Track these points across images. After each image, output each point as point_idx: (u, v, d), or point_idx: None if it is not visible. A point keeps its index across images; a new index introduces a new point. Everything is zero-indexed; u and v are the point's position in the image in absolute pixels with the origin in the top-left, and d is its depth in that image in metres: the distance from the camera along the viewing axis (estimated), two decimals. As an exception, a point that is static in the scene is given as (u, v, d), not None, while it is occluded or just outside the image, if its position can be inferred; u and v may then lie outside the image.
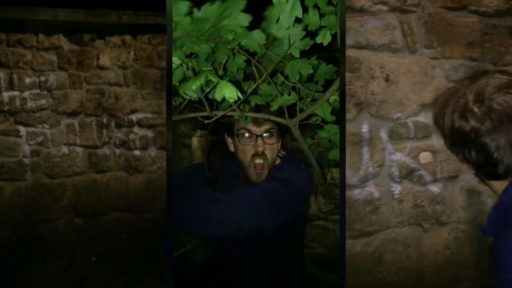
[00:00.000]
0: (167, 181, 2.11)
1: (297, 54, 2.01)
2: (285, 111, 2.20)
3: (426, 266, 2.81)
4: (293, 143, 2.67)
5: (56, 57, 4.65)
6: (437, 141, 2.75)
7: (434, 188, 2.79)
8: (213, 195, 2.17)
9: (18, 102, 4.57)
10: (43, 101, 4.64)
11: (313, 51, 2.10)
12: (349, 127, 2.63)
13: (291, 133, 2.29)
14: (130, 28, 4.77)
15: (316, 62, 2.13)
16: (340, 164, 2.42)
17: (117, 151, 4.87)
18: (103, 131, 4.82)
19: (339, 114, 2.37)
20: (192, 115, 2.19)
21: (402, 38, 2.63)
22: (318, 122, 2.31)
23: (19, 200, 4.62)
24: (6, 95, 4.54)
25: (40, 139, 4.65)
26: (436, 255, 2.87)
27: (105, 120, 4.81)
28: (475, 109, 1.39)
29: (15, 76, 4.56)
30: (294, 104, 2.23)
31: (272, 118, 2.17)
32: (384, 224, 2.69)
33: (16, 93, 4.57)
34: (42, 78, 4.63)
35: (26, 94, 4.59)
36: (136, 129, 4.91)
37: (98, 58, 4.75)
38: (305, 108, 2.20)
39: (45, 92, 4.64)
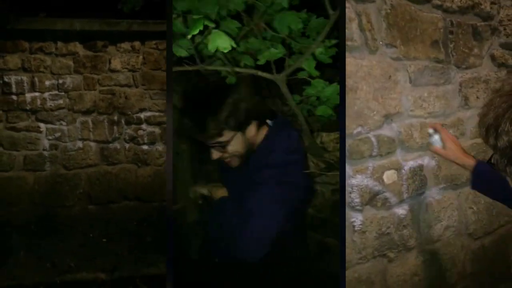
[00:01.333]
0: (166, 173, 1.99)
1: (285, 4, 1.85)
2: (273, 66, 1.97)
3: None
4: (283, 107, 2.14)
5: (73, 62, 4.83)
6: (401, 156, 2.25)
7: (400, 211, 2.27)
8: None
9: (39, 102, 4.78)
10: (61, 101, 4.84)
11: (304, 5, 1.91)
12: None
13: (282, 95, 2.02)
14: (139, 35, 4.91)
15: (306, 15, 1.93)
16: (340, 163, 2.00)
17: (127, 145, 5.02)
18: (114, 128, 4.99)
19: (339, 114, 2.01)
20: (180, 68, 1.97)
21: (360, 33, 2.03)
22: (305, 77, 1.99)
23: (39, 188, 4.82)
24: (28, 95, 4.75)
25: (58, 134, 4.85)
26: (404, 285, 2.35)
27: (116, 118, 4.97)
28: None
29: (36, 79, 4.76)
30: (284, 60, 1.98)
31: (260, 73, 1.97)
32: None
33: (37, 94, 4.78)
34: (60, 81, 4.82)
35: (46, 95, 4.80)
36: (144, 126, 5.04)
37: (110, 62, 4.91)
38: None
39: (63, 93, 4.84)
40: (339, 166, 1.99)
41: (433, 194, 2.41)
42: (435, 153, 2.08)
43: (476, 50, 2.59)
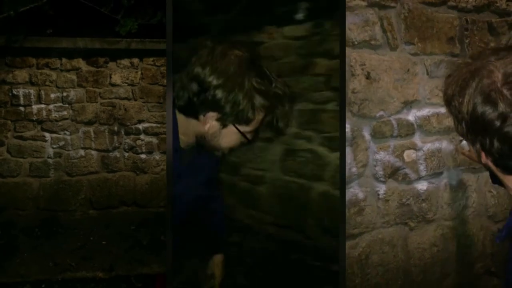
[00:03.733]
0: (167, 177, 2.00)
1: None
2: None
3: (414, 265, 2.59)
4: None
5: (76, 77, 5.01)
6: (420, 138, 2.52)
7: (419, 186, 2.54)
8: None
9: (44, 113, 4.95)
10: (65, 112, 5.00)
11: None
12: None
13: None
14: (137, 53, 5.08)
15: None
16: (340, 163, 2.24)
17: (126, 154, 5.15)
18: (114, 138, 5.13)
19: (340, 114, 2.22)
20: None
21: (382, 34, 2.36)
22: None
23: (44, 193, 4.97)
24: (35, 107, 4.92)
25: (62, 143, 5.01)
26: (423, 253, 2.63)
27: (116, 128, 5.12)
28: (505, 91, 1.08)
29: (42, 92, 4.93)
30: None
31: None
32: (370, 225, 2.41)
33: (43, 105, 4.95)
34: (64, 94, 4.98)
35: (51, 106, 4.97)
36: (142, 136, 5.18)
37: (110, 77, 5.08)
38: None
39: (67, 105, 5.00)
40: (340, 164, 2.24)
41: (451, 175, 2.63)
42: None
43: (492, 45, 2.70)
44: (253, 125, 1.77)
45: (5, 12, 4.41)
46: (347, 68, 2.29)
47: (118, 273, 4.27)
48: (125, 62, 5.12)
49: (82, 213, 5.07)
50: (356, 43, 2.32)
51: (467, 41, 2.63)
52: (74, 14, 4.71)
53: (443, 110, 2.47)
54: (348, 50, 2.29)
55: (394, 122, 2.43)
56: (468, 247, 2.75)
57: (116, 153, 5.15)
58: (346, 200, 2.31)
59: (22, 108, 4.93)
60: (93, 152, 5.10)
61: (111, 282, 4.23)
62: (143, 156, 5.21)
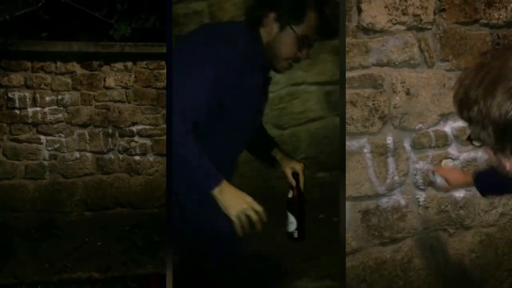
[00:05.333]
0: (167, 177, 2.03)
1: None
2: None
3: (453, 270, 2.75)
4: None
5: (71, 80, 4.99)
6: (456, 148, 2.74)
7: (457, 194, 2.73)
8: None
9: (40, 116, 4.93)
10: (60, 115, 5.00)
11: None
12: (375, 139, 2.59)
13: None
14: (131, 56, 5.10)
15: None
16: (340, 165, 2.42)
17: (120, 156, 5.16)
18: (109, 140, 5.13)
19: (340, 119, 2.43)
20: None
21: (420, 54, 2.63)
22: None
23: (39, 195, 4.96)
24: (30, 110, 4.91)
25: (57, 145, 4.98)
26: (462, 259, 2.79)
27: (110, 131, 5.12)
28: None
29: (38, 95, 4.92)
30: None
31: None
32: (412, 230, 2.64)
33: (38, 108, 4.93)
34: (59, 97, 4.96)
35: (46, 109, 4.95)
36: (136, 138, 5.16)
37: (104, 80, 5.08)
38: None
39: (62, 108, 4.98)
40: (340, 163, 2.44)
41: None
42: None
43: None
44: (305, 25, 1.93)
45: (1, 16, 4.44)
46: (389, 85, 2.58)
47: (113, 274, 4.31)
48: (119, 65, 5.14)
49: (77, 215, 5.09)
50: (397, 63, 2.60)
51: (498, 55, 2.91)
52: (69, 18, 4.72)
53: None
54: (389, 70, 2.58)
55: (432, 133, 2.71)
56: (506, 254, 2.90)
57: (111, 155, 5.16)
58: (389, 206, 2.59)
59: (17, 111, 4.95)
60: (88, 154, 5.11)
61: (107, 283, 4.27)
62: (137, 157, 5.22)
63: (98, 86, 5.10)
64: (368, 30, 2.57)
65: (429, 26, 2.67)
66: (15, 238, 4.67)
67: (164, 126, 5.15)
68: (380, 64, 2.60)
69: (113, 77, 5.14)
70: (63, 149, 5.04)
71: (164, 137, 5.14)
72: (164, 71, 5.22)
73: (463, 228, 2.79)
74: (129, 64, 5.17)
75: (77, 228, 4.98)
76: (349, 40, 2.55)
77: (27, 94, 4.94)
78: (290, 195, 2.25)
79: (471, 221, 2.81)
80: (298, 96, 4.04)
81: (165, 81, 5.10)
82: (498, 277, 2.87)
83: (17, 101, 4.94)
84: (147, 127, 5.23)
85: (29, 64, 4.95)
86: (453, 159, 2.75)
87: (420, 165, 2.67)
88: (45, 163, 5.00)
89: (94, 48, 5.02)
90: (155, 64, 5.19)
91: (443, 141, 2.74)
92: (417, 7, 2.63)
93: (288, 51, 2.01)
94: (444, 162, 2.72)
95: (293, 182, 2.26)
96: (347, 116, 2.58)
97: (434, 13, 2.69)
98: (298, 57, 2.05)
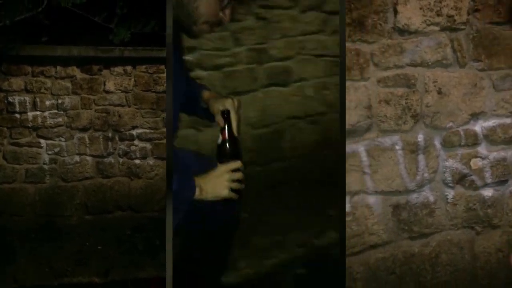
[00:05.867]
0: (167, 179, 1.99)
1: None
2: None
3: (480, 268, 2.81)
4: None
5: (71, 84, 4.99)
6: (486, 147, 2.81)
7: (485, 193, 2.81)
8: None
9: (40, 120, 4.94)
10: (60, 119, 5.00)
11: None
12: (407, 137, 2.68)
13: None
14: (131, 60, 5.04)
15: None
16: (340, 162, 2.40)
17: (121, 160, 5.15)
18: (109, 143, 5.12)
19: (340, 116, 2.38)
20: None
21: (452, 54, 2.72)
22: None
23: (39, 199, 4.95)
24: (30, 114, 4.92)
25: (57, 149, 4.99)
26: (489, 257, 2.84)
27: (110, 135, 5.12)
28: None
29: (38, 100, 4.93)
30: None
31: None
32: (440, 226, 2.73)
33: (38, 112, 4.94)
34: (59, 101, 4.98)
35: (46, 113, 4.95)
36: (136, 142, 5.17)
37: (104, 84, 5.06)
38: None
39: (62, 112, 4.99)
40: (339, 159, 2.44)
41: None
42: None
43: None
44: None
45: (1, 21, 4.45)
46: (421, 85, 2.69)
47: (114, 278, 4.31)
48: (119, 69, 5.14)
49: (77, 218, 5.07)
50: (430, 63, 2.70)
51: (532, 54, 2.91)
52: (69, 23, 4.73)
53: (508, 120, 2.87)
54: (422, 70, 2.68)
55: (462, 132, 2.79)
56: None
57: (111, 159, 5.17)
58: (419, 202, 2.70)
59: (17, 115, 4.95)
60: (88, 158, 5.12)
61: (107, 286, 4.30)
62: (137, 161, 5.22)
63: (98, 90, 5.11)
64: (403, 31, 2.67)
65: (462, 27, 2.75)
66: (15, 242, 4.68)
67: (164, 129, 5.15)
68: (414, 64, 2.69)
69: (113, 81, 5.15)
70: (63, 153, 5.05)
71: (164, 141, 5.14)
72: (164, 75, 5.23)
73: (490, 227, 2.85)
74: (129, 68, 5.17)
75: (77, 231, 4.97)
76: (384, 41, 2.65)
77: (27, 98, 4.95)
78: (219, 140, 1.91)
79: (499, 220, 2.87)
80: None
81: (164, 85, 5.10)
82: (525, 278, 2.93)
83: (17, 105, 4.95)
84: (147, 130, 5.24)
85: (29, 69, 4.97)
86: (483, 158, 2.83)
87: (450, 163, 2.77)
88: (45, 167, 5.01)
89: (94, 52, 5.03)
90: (155, 68, 5.20)
91: (472, 140, 2.82)
92: (451, 8, 2.71)
93: (207, 10, 1.71)
94: (473, 161, 2.80)
95: (221, 122, 1.92)
96: (381, 114, 2.68)
97: (468, 14, 2.75)
98: (220, 19, 1.77)
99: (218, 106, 1.94)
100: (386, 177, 2.70)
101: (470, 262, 2.83)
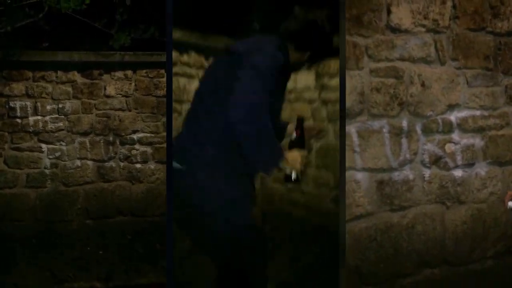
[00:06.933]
0: (167, 184, 2.10)
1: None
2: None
3: (448, 238, 3.26)
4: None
5: (71, 89, 5.07)
6: (458, 134, 3.26)
7: (456, 173, 3.26)
8: None
9: (41, 124, 5.01)
10: (61, 124, 5.06)
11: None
12: (393, 122, 3.05)
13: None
14: (131, 65, 5.17)
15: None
16: (340, 158, 2.74)
17: (121, 164, 5.20)
18: (110, 148, 5.17)
19: (340, 112, 2.72)
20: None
21: (435, 52, 3.15)
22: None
23: (40, 204, 5.00)
24: (31, 119, 4.98)
25: (58, 154, 5.04)
26: (456, 228, 3.28)
27: (111, 139, 5.17)
28: None
29: (39, 104, 5.00)
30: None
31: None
32: (416, 201, 3.13)
33: (39, 117, 5.00)
34: (60, 105, 5.05)
35: (47, 118, 5.03)
36: (137, 146, 5.22)
37: (105, 89, 5.15)
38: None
39: (62, 116, 5.06)
40: (339, 156, 2.76)
41: (481, 166, 3.38)
42: None
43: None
44: None
45: (2, 27, 4.49)
46: (408, 77, 3.09)
47: (115, 283, 4.32)
48: (119, 74, 5.19)
49: (79, 223, 5.10)
50: (416, 59, 3.10)
51: (499, 58, 3.41)
52: (69, 28, 4.79)
53: (478, 113, 3.36)
54: (409, 64, 3.08)
55: (440, 120, 3.21)
56: (493, 227, 3.43)
57: (112, 163, 5.20)
58: (400, 179, 3.08)
59: (19, 120, 4.99)
60: (89, 162, 5.15)
61: (108, 292, 4.29)
62: (138, 165, 5.25)
63: (98, 95, 5.17)
64: (395, 29, 3.05)
65: (444, 30, 3.19)
66: (16, 247, 4.70)
67: (165, 134, 5.16)
68: (402, 59, 3.07)
69: (113, 85, 5.21)
70: (64, 157, 5.09)
71: (165, 145, 5.16)
72: (164, 79, 5.26)
73: (458, 202, 3.29)
74: (129, 72, 5.24)
75: (78, 236, 5.00)
76: (378, 36, 3.02)
77: (28, 103, 5.00)
78: (293, 136, 2.47)
79: (465, 197, 3.31)
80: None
81: (165, 89, 5.13)
82: (484, 247, 3.39)
83: (18, 110, 4.99)
84: (148, 134, 5.28)
85: (30, 74, 5.03)
86: (455, 144, 3.26)
87: (428, 146, 3.18)
88: (46, 171, 5.04)
89: (94, 57, 5.09)
90: (155, 73, 5.25)
91: (448, 127, 3.24)
92: (436, 13, 3.16)
93: None
94: (447, 145, 3.23)
95: (295, 126, 2.49)
96: (372, 100, 3.03)
97: (450, 19, 3.21)
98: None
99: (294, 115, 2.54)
100: (373, 156, 3.04)
101: (440, 232, 3.24)
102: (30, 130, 5.02)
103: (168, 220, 2.24)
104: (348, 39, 2.94)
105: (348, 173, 2.95)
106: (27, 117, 5.01)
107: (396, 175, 3.07)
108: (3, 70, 4.93)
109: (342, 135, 2.85)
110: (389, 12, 3.03)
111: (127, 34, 4.90)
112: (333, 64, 3.14)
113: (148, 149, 5.28)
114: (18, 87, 5.00)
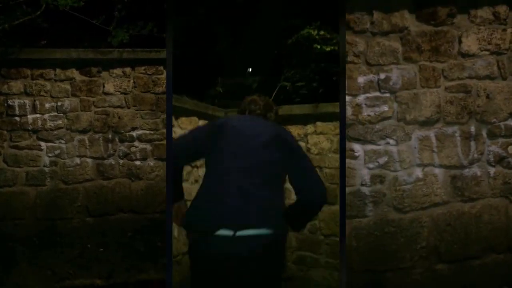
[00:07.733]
0: (166, 182, 2.11)
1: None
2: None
3: (511, 227, 3.91)
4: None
5: (70, 87, 5.07)
6: None
7: None
8: None
9: (40, 122, 5.01)
10: (60, 121, 5.06)
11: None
12: (463, 127, 3.79)
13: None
14: (129, 62, 5.16)
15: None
16: (340, 159, 3.10)
17: (121, 161, 5.19)
18: (109, 145, 5.17)
19: (340, 118, 3.06)
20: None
21: (498, 70, 3.87)
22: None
23: (40, 202, 4.99)
24: (30, 117, 4.97)
25: (57, 152, 5.04)
26: None
27: (110, 136, 5.17)
28: None
29: (37, 102, 4.99)
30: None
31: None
32: (483, 194, 3.82)
33: (38, 115, 5.00)
34: (59, 103, 5.05)
35: (46, 116, 5.03)
36: (136, 143, 5.21)
37: (103, 86, 5.15)
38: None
39: (61, 114, 5.06)
40: (339, 156, 3.17)
41: None
42: None
43: None
44: None
45: (0, 25, 4.48)
46: (475, 92, 3.83)
47: (116, 281, 4.31)
48: (118, 71, 5.18)
49: (79, 221, 5.09)
50: (481, 76, 3.84)
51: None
52: (67, 26, 4.79)
53: None
54: (476, 81, 3.83)
55: (502, 126, 3.90)
56: None
57: (111, 160, 5.19)
58: (469, 175, 3.81)
59: (17, 118, 4.99)
60: (88, 160, 5.14)
61: (109, 289, 4.27)
62: (137, 162, 5.24)
63: (97, 92, 5.16)
64: (465, 55, 3.84)
65: (505, 52, 3.89)
66: (17, 246, 4.69)
67: (164, 130, 5.17)
68: (470, 77, 3.84)
69: (112, 83, 5.20)
70: (63, 155, 5.08)
71: (164, 142, 5.14)
72: (163, 76, 5.25)
73: None
74: (128, 69, 5.23)
75: (78, 234, 4.99)
76: (451, 61, 3.83)
77: (27, 101, 5.00)
78: None
79: None
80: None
81: (164, 86, 5.12)
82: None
83: (17, 108, 4.99)
84: (147, 131, 5.27)
85: (28, 72, 5.02)
86: None
87: (492, 148, 3.88)
88: (46, 169, 5.04)
89: (92, 54, 5.07)
90: (154, 70, 5.24)
91: (510, 132, 3.90)
92: (498, 39, 3.88)
93: None
94: (510, 147, 3.88)
95: None
96: (446, 111, 3.83)
97: (510, 43, 3.90)
98: None
99: None
100: (448, 155, 3.82)
101: (504, 222, 3.89)
102: (29, 128, 5.01)
103: (168, 217, 2.20)
104: (428, 65, 3.78)
105: (427, 169, 3.78)
106: (25, 115, 5.01)
107: (466, 172, 3.82)
108: (1, 68, 4.93)
109: (342, 149, 3.45)
110: (460, 42, 3.85)
111: (125, 30, 4.89)
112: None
113: (148, 146, 5.27)
114: (17, 85, 4.99)
